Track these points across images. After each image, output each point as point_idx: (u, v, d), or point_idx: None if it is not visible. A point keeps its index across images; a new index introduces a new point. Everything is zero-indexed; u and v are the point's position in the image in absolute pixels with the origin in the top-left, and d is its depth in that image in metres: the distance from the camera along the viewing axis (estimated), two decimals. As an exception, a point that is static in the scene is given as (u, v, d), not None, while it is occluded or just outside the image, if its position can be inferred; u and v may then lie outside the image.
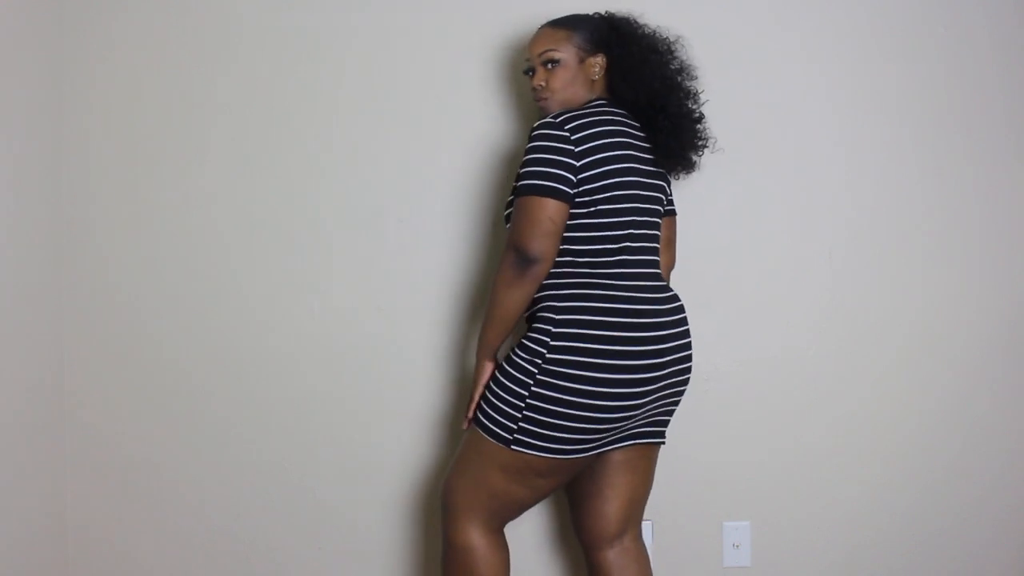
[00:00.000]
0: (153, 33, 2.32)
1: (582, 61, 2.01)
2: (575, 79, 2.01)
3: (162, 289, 2.33)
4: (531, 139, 1.90)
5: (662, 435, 2.01)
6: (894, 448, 2.40)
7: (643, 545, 2.09)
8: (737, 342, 2.37)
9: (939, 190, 2.40)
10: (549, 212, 1.85)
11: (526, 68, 2.08)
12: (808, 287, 2.38)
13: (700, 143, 2.07)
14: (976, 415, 2.41)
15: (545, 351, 1.86)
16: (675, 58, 2.05)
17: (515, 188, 1.90)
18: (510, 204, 1.97)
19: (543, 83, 2.01)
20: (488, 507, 1.94)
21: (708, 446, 2.37)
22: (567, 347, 1.85)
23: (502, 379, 1.89)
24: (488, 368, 1.95)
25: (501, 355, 2.00)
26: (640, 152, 1.96)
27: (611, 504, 2.04)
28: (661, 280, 1.98)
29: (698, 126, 2.06)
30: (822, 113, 2.38)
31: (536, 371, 1.86)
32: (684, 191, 2.35)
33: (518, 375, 1.87)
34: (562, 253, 1.90)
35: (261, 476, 2.34)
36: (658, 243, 2.01)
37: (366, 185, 2.32)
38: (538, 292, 1.93)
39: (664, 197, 2.04)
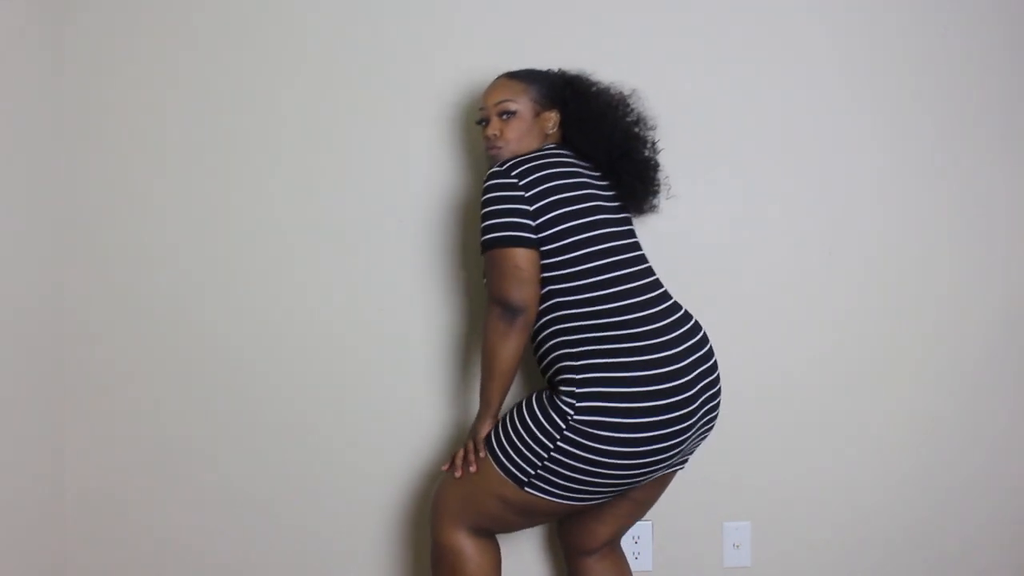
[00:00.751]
0: (153, 34, 2.31)
1: (537, 115, 2.02)
2: (529, 131, 2.01)
3: (163, 289, 2.32)
4: (483, 192, 1.89)
5: (686, 461, 1.99)
6: (894, 448, 2.40)
7: (621, 550, 2.12)
8: (737, 342, 2.37)
9: (939, 190, 2.40)
10: (516, 261, 1.84)
11: (480, 118, 2.06)
12: (808, 287, 2.38)
13: (657, 189, 2.10)
14: (976, 415, 2.41)
15: (571, 412, 1.80)
16: (631, 110, 2.08)
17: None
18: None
19: (497, 132, 2.00)
20: (476, 521, 1.93)
21: (708, 447, 2.37)
22: (593, 408, 1.79)
23: (530, 423, 1.84)
24: (489, 426, 1.92)
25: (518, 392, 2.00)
26: (599, 189, 1.96)
27: (607, 526, 2.05)
28: (667, 299, 1.92)
29: (656, 174, 2.09)
30: (822, 114, 2.38)
31: (564, 427, 1.80)
32: (684, 191, 2.35)
33: (546, 425, 1.81)
34: (559, 305, 1.87)
35: (261, 476, 2.34)
36: (648, 262, 1.97)
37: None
38: (551, 351, 1.89)
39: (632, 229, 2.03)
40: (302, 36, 2.32)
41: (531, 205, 1.85)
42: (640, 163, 2.04)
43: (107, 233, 2.32)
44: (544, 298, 1.88)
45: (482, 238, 1.88)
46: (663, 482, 2.00)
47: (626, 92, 2.09)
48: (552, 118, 2.04)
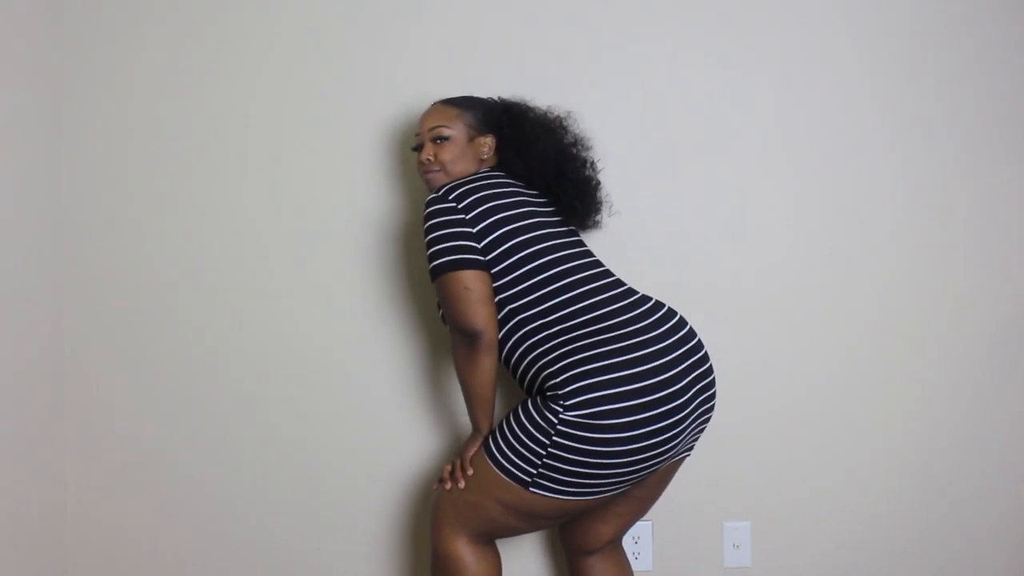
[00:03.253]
0: (152, 34, 2.31)
1: (471, 139, 2.04)
2: (464, 155, 2.03)
3: (163, 288, 2.32)
4: (424, 220, 1.90)
5: (691, 449, 1.98)
6: (894, 448, 2.40)
7: (623, 549, 2.12)
8: (737, 342, 2.36)
9: (939, 190, 2.40)
10: (466, 283, 1.84)
11: (415, 144, 2.08)
12: (808, 287, 2.38)
13: (598, 206, 2.13)
14: (976, 415, 2.41)
15: (561, 409, 1.79)
16: (568, 132, 2.10)
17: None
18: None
19: (431, 157, 2.02)
20: (477, 528, 1.91)
21: (708, 447, 2.36)
22: (582, 402, 1.78)
23: (525, 423, 1.82)
24: (478, 445, 1.91)
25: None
26: (538, 207, 1.98)
27: (609, 525, 2.05)
28: (633, 294, 1.92)
29: (596, 192, 2.11)
30: (821, 113, 2.38)
31: (556, 422, 1.78)
32: (684, 191, 2.35)
33: (540, 422, 1.80)
34: (523, 322, 1.87)
35: (261, 476, 2.34)
36: (604, 266, 1.98)
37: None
38: (528, 368, 1.88)
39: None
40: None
41: (473, 227, 1.86)
42: (578, 182, 2.07)
43: (107, 233, 2.32)
44: (507, 318, 1.88)
45: (430, 265, 1.88)
46: (665, 478, 2.00)
47: (562, 114, 2.11)
48: (487, 143, 2.06)
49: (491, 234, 1.86)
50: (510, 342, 1.90)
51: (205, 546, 2.35)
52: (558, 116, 2.11)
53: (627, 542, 2.36)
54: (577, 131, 2.12)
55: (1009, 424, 2.42)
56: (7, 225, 2.10)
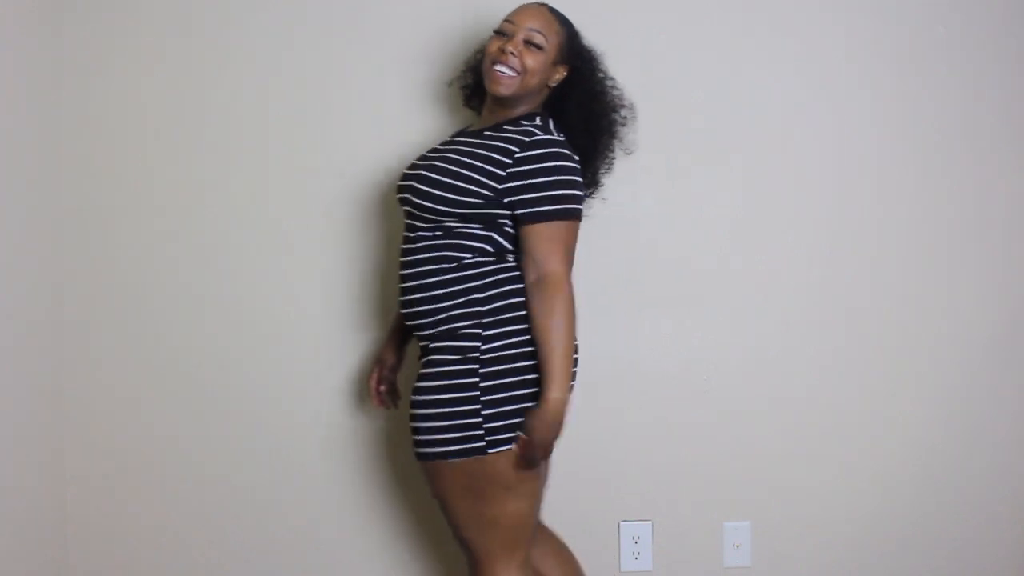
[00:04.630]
0: (152, 35, 2.31)
1: (553, 63, 1.92)
2: (543, 73, 1.90)
3: (163, 288, 2.32)
4: (548, 156, 1.80)
5: None
6: (894, 448, 2.40)
7: (553, 533, 2.09)
8: (736, 342, 2.36)
9: (938, 190, 2.40)
10: (577, 233, 1.82)
11: (501, 30, 1.91)
12: (808, 287, 2.38)
13: (604, 174, 2.09)
14: (976, 415, 2.41)
15: (480, 343, 1.78)
16: (622, 105, 2.03)
17: (523, 204, 1.79)
18: (448, 187, 1.81)
19: (517, 53, 1.85)
20: (515, 539, 1.81)
21: (708, 446, 2.37)
22: (503, 332, 1.79)
23: (444, 396, 1.77)
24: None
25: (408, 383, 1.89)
26: None
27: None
28: None
29: (611, 161, 2.06)
30: (821, 113, 2.38)
31: (478, 365, 1.77)
32: (684, 191, 2.35)
33: (462, 380, 1.77)
34: (498, 257, 1.83)
35: (261, 476, 2.34)
36: None
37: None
38: (450, 300, 1.80)
39: None
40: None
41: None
42: (606, 158, 2.04)
43: (107, 233, 2.32)
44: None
45: (558, 206, 1.78)
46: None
47: (619, 87, 2.04)
48: (561, 73, 1.94)
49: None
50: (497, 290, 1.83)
51: (205, 546, 2.35)
52: (616, 85, 2.02)
53: (627, 542, 2.36)
54: (625, 108, 2.03)
55: (1009, 424, 2.42)
56: (7, 225, 2.10)
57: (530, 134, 1.83)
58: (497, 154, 1.82)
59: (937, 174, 2.39)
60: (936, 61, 2.39)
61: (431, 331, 1.83)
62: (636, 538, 2.36)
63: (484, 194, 1.80)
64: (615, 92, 2.03)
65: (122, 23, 2.31)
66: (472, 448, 1.77)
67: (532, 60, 1.87)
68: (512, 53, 1.86)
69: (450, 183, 1.81)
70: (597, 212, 2.32)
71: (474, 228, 1.82)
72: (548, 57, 1.90)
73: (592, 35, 2.32)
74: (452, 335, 1.81)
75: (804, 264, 2.38)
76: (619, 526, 2.37)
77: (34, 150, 2.21)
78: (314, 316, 2.33)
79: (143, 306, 2.33)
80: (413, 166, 1.94)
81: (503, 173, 1.80)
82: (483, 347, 1.79)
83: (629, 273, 2.32)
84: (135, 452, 2.34)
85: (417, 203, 1.83)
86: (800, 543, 2.40)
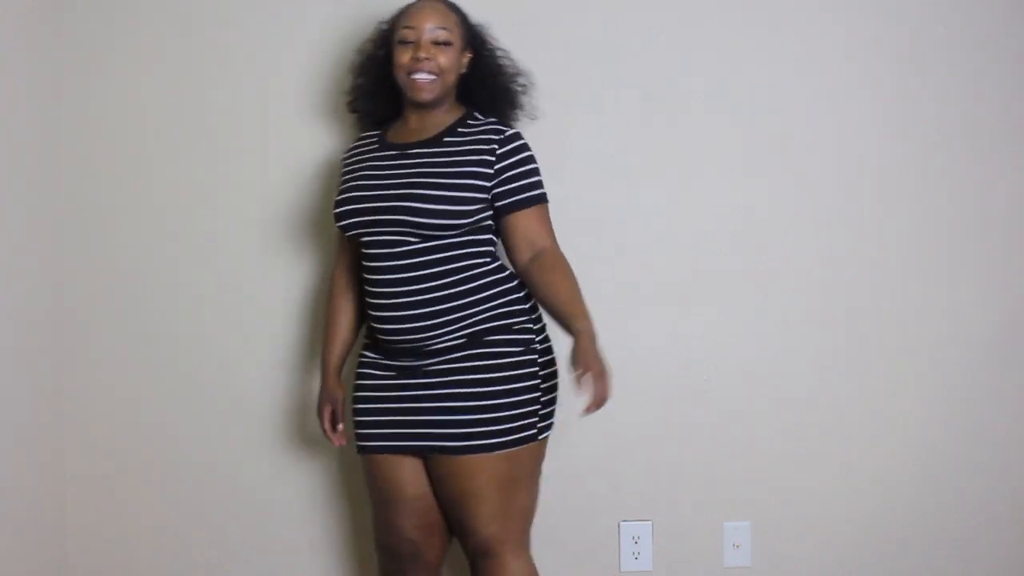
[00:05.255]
0: (152, 35, 2.31)
1: (461, 52, 1.95)
2: (456, 67, 1.93)
3: (163, 288, 2.32)
4: (524, 147, 1.92)
5: None
6: (894, 448, 2.40)
7: None
8: (737, 342, 2.36)
9: (939, 190, 2.39)
10: None
11: (404, 38, 1.90)
12: (808, 287, 2.38)
13: None
14: (976, 415, 2.41)
15: (535, 335, 1.92)
16: (513, 63, 2.06)
17: (517, 191, 1.90)
18: (447, 199, 1.85)
19: (430, 56, 1.87)
20: (528, 527, 1.91)
21: (708, 446, 2.37)
22: (543, 327, 1.97)
23: (520, 385, 1.87)
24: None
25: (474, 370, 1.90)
26: None
27: None
28: None
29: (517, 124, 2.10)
30: (821, 113, 2.38)
31: (537, 356, 1.90)
32: (684, 191, 2.35)
33: (525, 371, 1.88)
34: (496, 258, 1.95)
35: (261, 475, 2.34)
36: None
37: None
38: (457, 295, 1.87)
39: None
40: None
41: None
42: (516, 121, 2.07)
43: (107, 232, 2.32)
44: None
45: (537, 192, 1.94)
46: None
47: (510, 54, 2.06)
48: (468, 59, 1.97)
49: None
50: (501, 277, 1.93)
51: (205, 546, 2.35)
52: (508, 55, 2.06)
53: (627, 542, 2.36)
54: (522, 75, 2.07)
55: (1009, 424, 2.41)
56: (7, 225, 2.10)
57: (499, 131, 1.92)
58: (478, 155, 1.88)
59: (937, 174, 2.39)
60: (936, 61, 2.39)
61: (455, 339, 1.88)
62: (636, 538, 2.36)
63: (482, 198, 1.88)
64: (509, 62, 2.06)
65: (122, 23, 2.31)
66: (527, 436, 1.86)
67: (445, 58, 1.90)
68: (425, 58, 1.88)
69: (452, 195, 1.85)
70: (597, 212, 2.33)
71: (478, 232, 1.90)
72: (457, 50, 1.93)
73: (592, 35, 2.34)
74: (509, 329, 1.90)
75: (804, 264, 2.38)
76: (619, 526, 2.37)
77: (34, 150, 2.21)
78: (315, 316, 2.33)
79: (143, 306, 2.33)
80: (380, 187, 1.90)
81: (491, 171, 1.88)
82: (537, 338, 1.92)
83: (629, 273, 2.32)
84: (135, 452, 2.34)
85: (419, 221, 1.84)
86: (800, 543, 2.40)
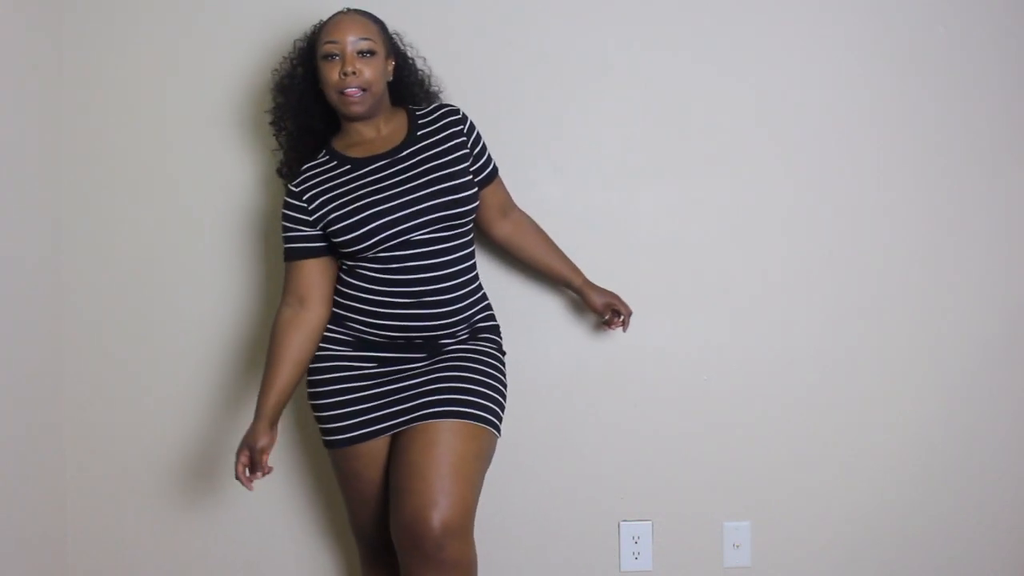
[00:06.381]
0: (152, 35, 2.31)
1: (385, 60, 1.97)
2: (383, 76, 1.96)
3: (163, 288, 2.32)
4: (474, 123, 2.03)
5: None
6: (894, 448, 2.40)
7: None
8: (737, 342, 2.36)
9: (939, 190, 2.40)
10: None
11: (328, 53, 1.90)
12: (808, 287, 2.38)
13: None
14: (977, 415, 2.41)
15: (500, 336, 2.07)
16: (423, 64, 2.14)
17: (486, 165, 2.04)
18: (464, 185, 1.93)
19: (356, 71, 1.88)
20: (474, 515, 1.84)
21: (708, 446, 2.37)
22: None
23: (500, 374, 1.97)
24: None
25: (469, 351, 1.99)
26: None
27: None
28: None
29: None
30: (822, 113, 2.38)
31: (504, 352, 2.04)
32: (685, 191, 2.35)
33: (503, 362, 2.01)
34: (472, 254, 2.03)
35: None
36: None
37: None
38: (469, 293, 1.98)
39: None
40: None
41: None
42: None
43: (107, 232, 2.32)
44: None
45: (494, 162, 2.08)
46: None
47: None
48: (391, 66, 2.00)
49: None
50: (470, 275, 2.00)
51: (205, 546, 2.35)
52: (418, 54, 2.13)
53: (627, 542, 2.36)
54: (432, 76, 2.15)
55: (1009, 424, 2.42)
56: (7, 224, 2.10)
57: (453, 111, 2.02)
58: (455, 139, 1.99)
59: (937, 174, 2.39)
60: (936, 61, 2.39)
61: (474, 323, 2.00)
62: (636, 538, 2.36)
63: (475, 180, 2.00)
64: (420, 63, 2.13)
65: (122, 23, 2.31)
66: (498, 425, 1.92)
67: (370, 70, 1.90)
68: (352, 72, 1.88)
69: (466, 181, 1.95)
70: (597, 213, 2.33)
71: (470, 221, 2.00)
72: (382, 59, 1.95)
73: (592, 34, 2.33)
74: (492, 318, 2.06)
75: (804, 264, 2.38)
76: (619, 526, 2.37)
77: (34, 150, 2.21)
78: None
79: (143, 306, 2.33)
80: (398, 194, 1.90)
81: (469, 151, 2.00)
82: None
83: (629, 273, 2.32)
84: (135, 452, 2.34)
85: (459, 211, 1.92)
86: (800, 543, 2.40)
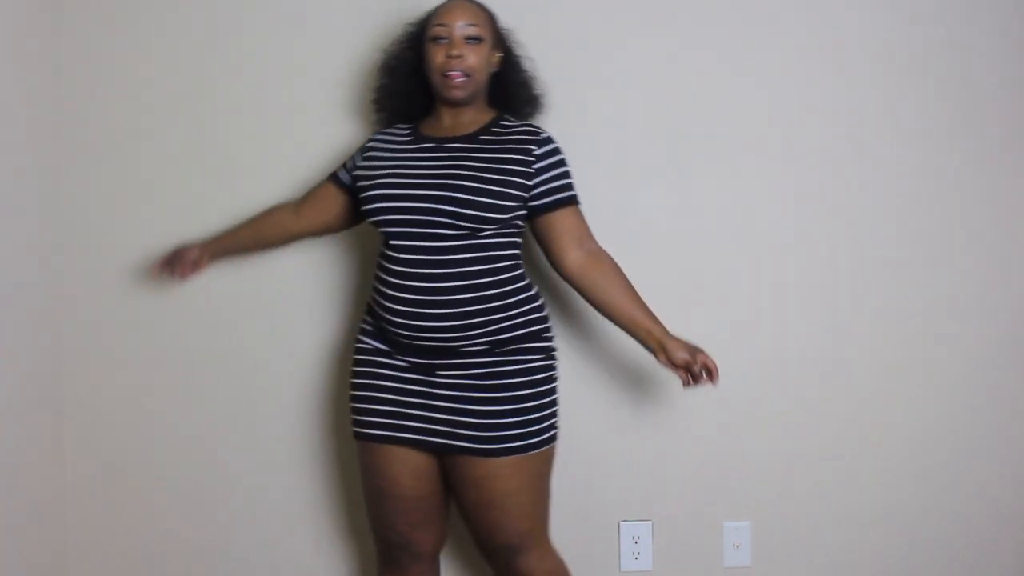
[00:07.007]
0: (152, 34, 2.31)
1: (491, 50, 1.98)
2: (486, 66, 1.97)
3: (163, 288, 2.32)
4: (559, 150, 1.96)
5: None
6: (894, 448, 2.40)
7: None
8: (737, 342, 2.36)
9: (940, 190, 2.40)
10: None
11: (436, 35, 1.94)
12: (809, 287, 2.38)
13: None
14: (977, 415, 2.41)
15: (552, 343, 1.98)
16: (533, 67, 2.12)
17: (556, 190, 1.95)
18: (487, 192, 1.86)
19: (462, 55, 1.91)
20: (548, 520, 1.99)
21: (708, 446, 2.37)
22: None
23: (545, 388, 1.93)
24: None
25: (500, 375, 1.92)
26: None
27: None
28: None
29: None
30: (823, 113, 2.38)
31: (554, 360, 1.97)
32: (685, 191, 2.35)
33: (546, 375, 1.94)
34: (522, 264, 1.97)
35: (261, 475, 2.34)
36: None
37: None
38: (487, 298, 1.87)
39: None
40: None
41: None
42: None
43: (107, 232, 2.32)
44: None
45: (574, 191, 1.99)
46: None
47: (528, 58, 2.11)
48: (498, 58, 2.01)
49: None
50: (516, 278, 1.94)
51: (206, 546, 2.35)
52: (528, 55, 2.11)
53: (627, 542, 2.36)
54: (539, 80, 2.14)
55: (1010, 425, 2.42)
56: (7, 224, 2.10)
57: (535, 132, 1.96)
58: (516, 154, 1.91)
59: (938, 174, 2.39)
60: (941, 61, 2.39)
61: (480, 344, 1.88)
62: (636, 538, 2.36)
63: (518, 195, 1.90)
64: (532, 68, 2.11)
65: (122, 23, 2.31)
66: (553, 436, 1.94)
67: (475, 56, 1.93)
68: (457, 55, 1.91)
69: (492, 189, 1.86)
70: (597, 213, 2.33)
71: (509, 235, 1.93)
72: (487, 47, 1.96)
73: (592, 35, 2.33)
74: (537, 337, 1.94)
75: (804, 265, 2.38)
76: (619, 526, 2.37)
77: (34, 150, 2.21)
78: (315, 315, 2.33)
79: (143, 306, 2.33)
80: (417, 177, 1.89)
81: (531, 170, 1.92)
82: (554, 343, 1.99)
83: (629, 273, 2.31)
84: (135, 452, 2.34)
85: (459, 212, 1.84)
86: (800, 543, 2.40)
